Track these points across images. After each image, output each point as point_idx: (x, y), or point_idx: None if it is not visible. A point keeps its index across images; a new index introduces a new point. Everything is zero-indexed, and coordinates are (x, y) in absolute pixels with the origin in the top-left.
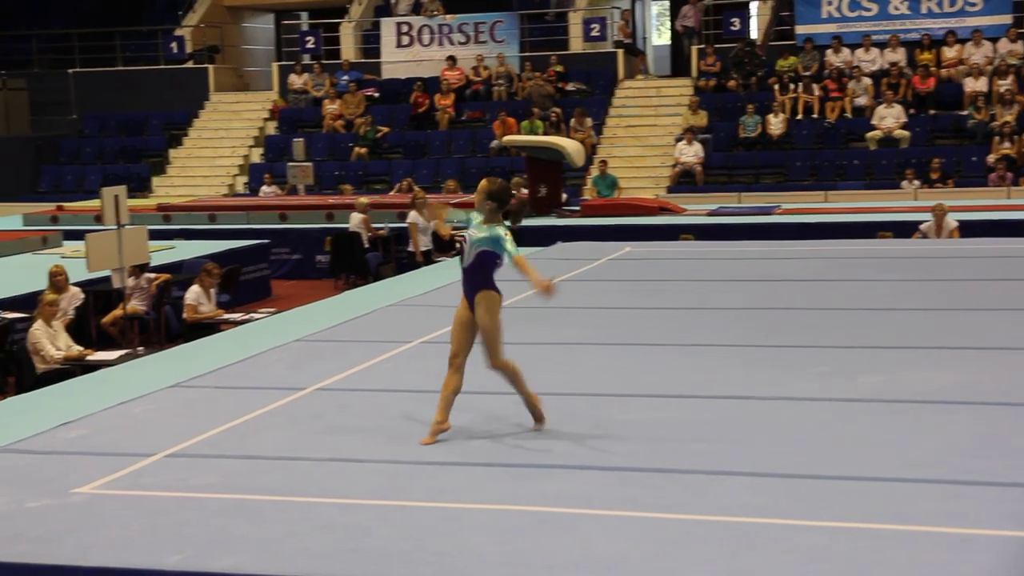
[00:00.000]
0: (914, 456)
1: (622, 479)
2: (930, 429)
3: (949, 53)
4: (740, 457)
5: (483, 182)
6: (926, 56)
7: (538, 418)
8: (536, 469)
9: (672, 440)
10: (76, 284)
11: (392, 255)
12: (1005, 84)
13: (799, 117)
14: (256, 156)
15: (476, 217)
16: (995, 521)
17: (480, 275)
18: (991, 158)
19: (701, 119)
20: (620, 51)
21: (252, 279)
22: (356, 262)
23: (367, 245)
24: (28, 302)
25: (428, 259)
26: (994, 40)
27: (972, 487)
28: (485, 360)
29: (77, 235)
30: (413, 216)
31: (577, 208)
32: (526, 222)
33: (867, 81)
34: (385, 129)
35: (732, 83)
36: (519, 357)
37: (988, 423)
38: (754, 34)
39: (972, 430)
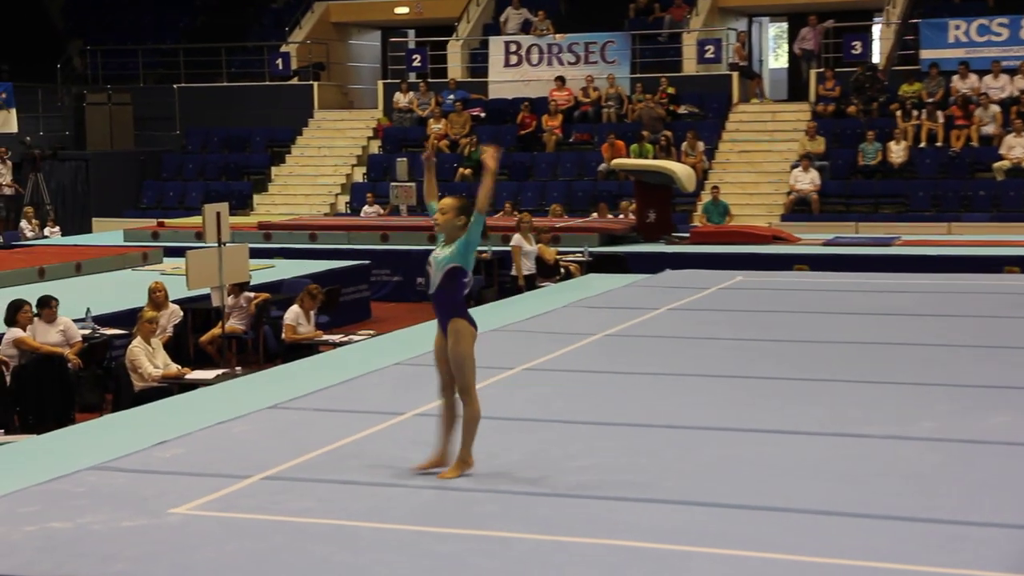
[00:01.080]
0: None
1: (726, 516)
2: None
3: None
4: (852, 497)
5: (450, 200)
6: None
7: (435, 463)
8: (636, 503)
9: (780, 478)
10: (175, 302)
11: (495, 279)
12: None
13: (922, 145)
14: (358, 175)
15: (440, 241)
16: None
17: (449, 301)
18: None
19: (818, 145)
20: (735, 74)
21: (352, 300)
22: None
23: None
24: (127, 319)
25: (531, 284)
26: None
27: None
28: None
29: (178, 252)
30: (517, 239)
31: (687, 235)
32: (634, 248)
33: (995, 109)
34: None
35: (852, 109)
36: (623, 385)
37: None
38: (876, 58)
39: None
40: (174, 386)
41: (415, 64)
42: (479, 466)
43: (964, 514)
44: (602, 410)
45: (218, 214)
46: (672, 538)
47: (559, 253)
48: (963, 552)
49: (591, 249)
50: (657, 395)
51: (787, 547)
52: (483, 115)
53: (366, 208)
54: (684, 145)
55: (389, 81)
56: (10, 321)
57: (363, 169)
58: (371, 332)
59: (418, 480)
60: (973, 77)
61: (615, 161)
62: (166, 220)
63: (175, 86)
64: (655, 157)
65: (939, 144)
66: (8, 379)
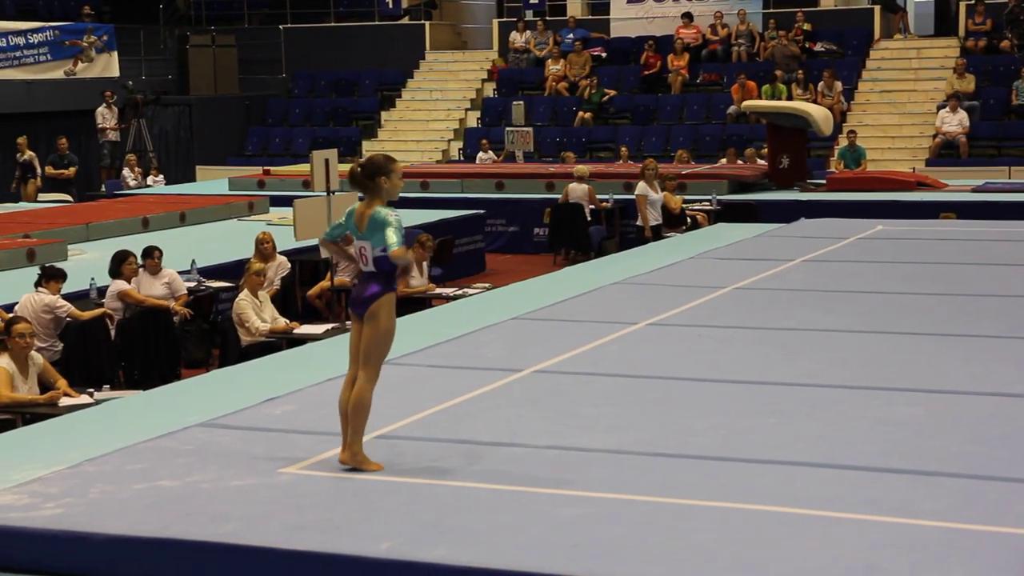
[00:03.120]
0: None
1: (871, 480)
2: None
3: None
4: (1009, 459)
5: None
6: None
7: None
8: (773, 466)
9: (931, 440)
10: (283, 253)
11: (616, 229)
12: None
13: None
14: (472, 120)
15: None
16: None
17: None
18: None
19: (968, 84)
20: (877, 7)
21: (466, 252)
22: (577, 236)
23: (589, 218)
24: (234, 271)
25: (657, 234)
26: None
27: None
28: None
29: (285, 201)
30: (642, 187)
31: (822, 182)
32: (766, 196)
33: None
34: (612, 92)
35: (1005, 44)
36: (753, 341)
37: None
38: None
39: None
40: (282, 341)
41: (532, 2)
42: (617, 423)
43: None
44: (732, 367)
45: (327, 161)
46: (814, 503)
47: (685, 202)
48: None
49: (720, 197)
50: (790, 352)
51: (939, 513)
52: (604, 55)
53: (480, 155)
54: (820, 85)
55: (505, 20)
56: (114, 273)
57: (477, 114)
58: (486, 285)
59: (538, 439)
60: None
61: (746, 103)
62: (272, 168)
63: (281, 27)
64: (789, 99)
65: None
66: (113, 332)
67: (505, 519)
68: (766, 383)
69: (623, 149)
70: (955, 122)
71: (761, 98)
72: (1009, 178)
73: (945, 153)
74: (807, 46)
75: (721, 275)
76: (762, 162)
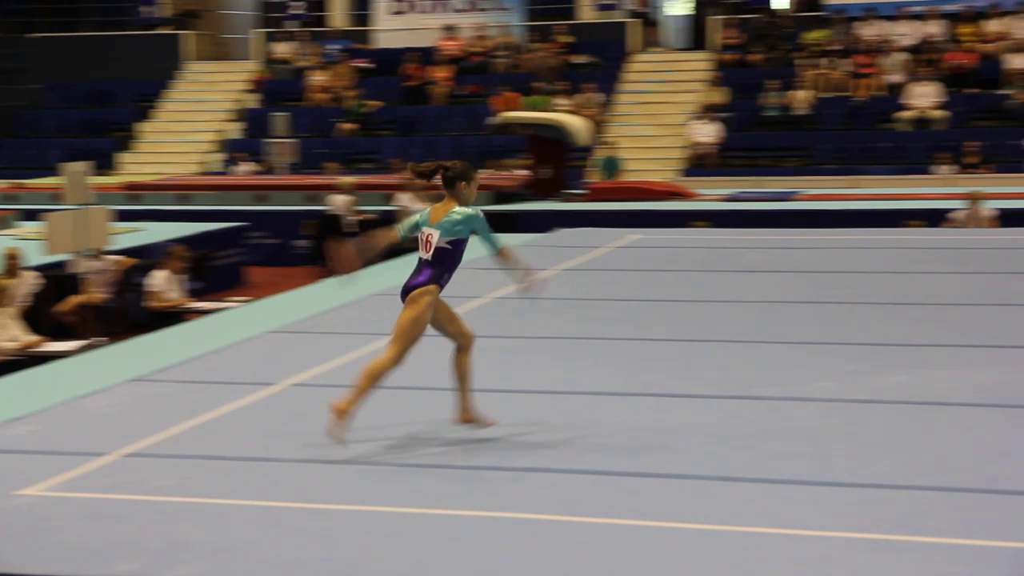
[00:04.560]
0: (939, 462)
1: (618, 485)
2: (958, 433)
3: (992, 27)
4: (748, 462)
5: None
6: (966, 30)
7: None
8: (523, 473)
9: (675, 443)
10: (32, 268)
11: None
12: None
13: (827, 95)
14: (234, 131)
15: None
16: (1015, 532)
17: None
18: None
19: (720, 96)
20: (634, 21)
21: (225, 265)
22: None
23: (351, 229)
24: None
25: None
26: None
27: (996, 496)
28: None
29: (36, 215)
30: (403, 199)
31: (583, 191)
32: (527, 206)
33: (901, 56)
34: (376, 103)
35: (755, 57)
36: (512, 349)
37: (1020, 427)
38: (782, 3)
39: (1002, 434)
40: (29, 359)
41: (295, 12)
42: (371, 435)
43: (860, 476)
44: (485, 377)
45: (79, 174)
46: (562, 509)
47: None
48: (859, 516)
49: (481, 208)
50: (545, 360)
51: (681, 515)
52: (368, 66)
53: (241, 167)
54: (580, 97)
55: (267, 30)
56: None
57: (239, 125)
58: (245, 298)
59: (290, 453)
60: (879, 23)
61: (506, 114)
62: (23, 181)
63: (28, 36)
64: (550, 110)
65: (844, 94)
66: None
67: (255, 535)
68: (518, 391)
69: (395, 161)
70: (708, 133)
71: (523, 109)
72: (759, 188)
73: (699, 163)
74: (567, 58)
75: (479, 285)
76: (522, 172)
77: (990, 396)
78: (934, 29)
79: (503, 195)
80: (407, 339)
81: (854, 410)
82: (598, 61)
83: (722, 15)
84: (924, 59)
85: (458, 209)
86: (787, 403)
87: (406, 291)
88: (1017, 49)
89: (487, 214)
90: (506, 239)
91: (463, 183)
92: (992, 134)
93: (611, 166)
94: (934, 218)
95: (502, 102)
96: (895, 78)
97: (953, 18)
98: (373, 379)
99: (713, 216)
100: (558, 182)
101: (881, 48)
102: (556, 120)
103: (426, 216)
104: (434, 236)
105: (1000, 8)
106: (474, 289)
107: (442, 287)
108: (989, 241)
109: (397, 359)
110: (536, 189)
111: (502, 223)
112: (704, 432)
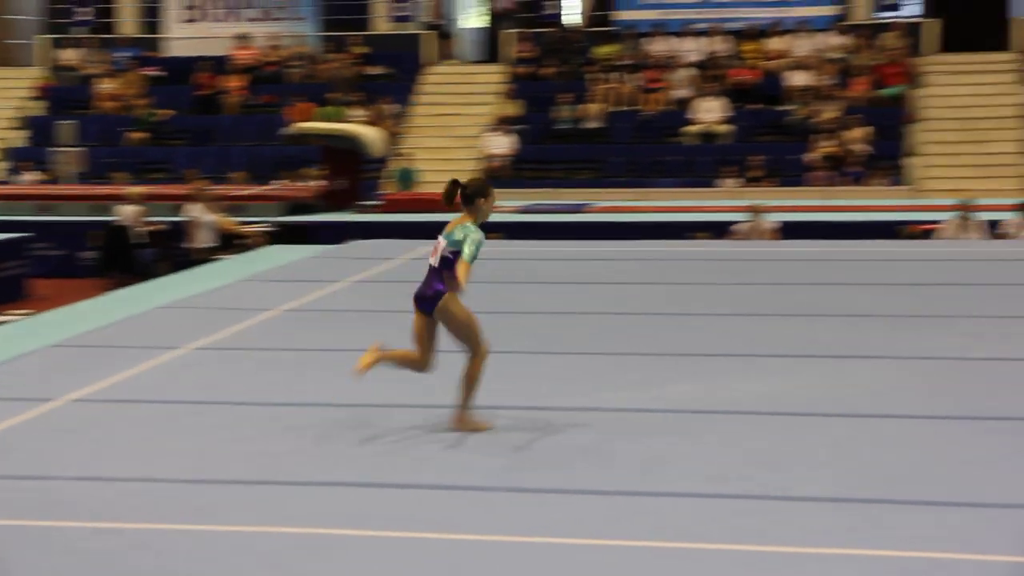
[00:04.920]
0: (713, 470)
1: (395, 496)
2: (735, 441)
3: (774, 44)
4: (536, 473)
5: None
6: (750, 47)
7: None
8: (303, 488)
9: (453, 454)
10: None
11: (168, 251)
12: (828, 79)
13: (617, 109)
14: (18, 140)
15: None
16: (791, 537)
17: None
18: (812, 156)
19: (514, 108)
20: (429, 33)
21: (7, 277)
22: (127, 259)
23: (140, 240)
24: None
25: (209, 256)
26: (820, 32)
27: (766, 501)
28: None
29: None
30: (193, 209)
31: (379, 203)
32: (321, 218)
33: (688, 72)
34: (167, 112)
35: (547, 71)
36: (295, 363)
37: (795, 434)
38: (574, 19)
39: (777, 442)
40: None
41: (81, 18)
42: (156, 451)
43: (643, 485)
44: (275, 391)
45: None
46: (346, 522)
47: (240, 224)
48: (644, 525)
49: (274, 219)
50: (336, 373)
51: (485, 527)
52: (159, 74)
53: (25, 176)
54: (375, 108)
55: (52, 36)
56: None
57: (23, 133)
58: (27, 311)
59: (70, 470)
60: (667, 39)
61: (300, 125)
62: None
63: None
64: (345, 120)
65: (633, 108)
66: None
67: (31, 555)
68: (309, 404)
69: (190, 172)
70: (502, 145)
71: (317, 119)
72: (552, 200)
73: (493, 175)
74: (362, 69)
75: (272, 297)
76: (317, 183)
77: (769, 405)
78: (719, 45)
79: (297, 206)
80: (474, 337)
81: (638, 420)
82: (393, 72)
83: (516, 29)
84: (710, 75)
85: (467, 226)
86: (571, 413)
87: (424, 300)
88: (797, 66)
89: (287, 225)
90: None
91: (481, 199)
92: (775, 148)
93: (406, 177)
94: (719, 230)
95: (296, 112)
96: (682, 93)
97: (737, 35)
98: (474, 382)
99: (506, 228)
100: (353, 193)
101: (669, 64)
102: (350, 131)
103: (445, 228)
104: (441, 244)
105: (781, 26)
106: (264, 301)
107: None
108: (771, 253)
109: (481, 354)
110: (330, 200)
111: (295, 235)
112: (492, 444)
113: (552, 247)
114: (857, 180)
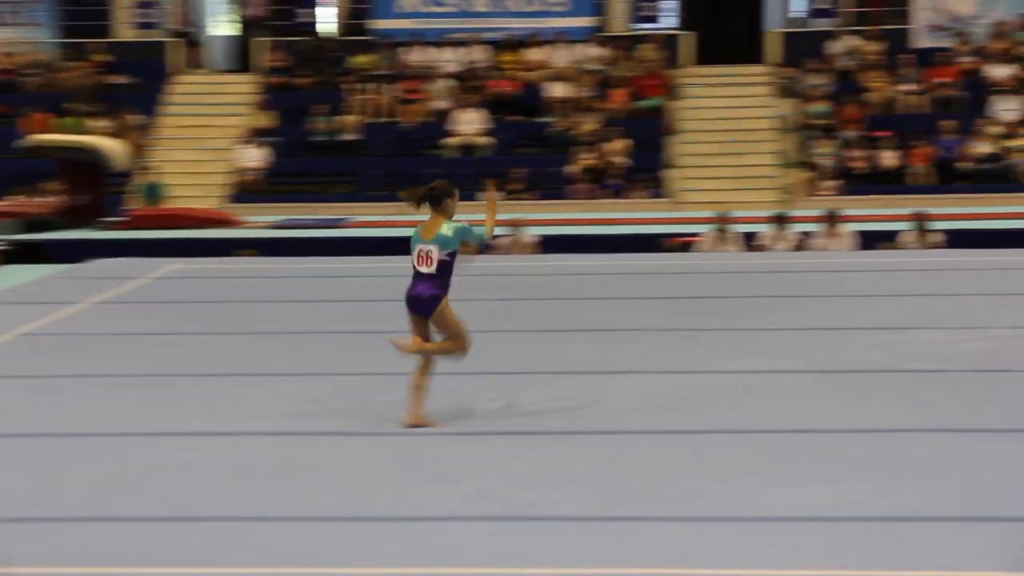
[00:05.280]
0: (475, 489)
1: (145, 529)
2: (499, 458)
3: (533, 55)
4: (286, 498)
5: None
6: (509, 58)
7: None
8: (40, 525)
9: (209, 484)
10: None
11: None
12: (587, 90)
13: (375, 120)
14: None
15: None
16: (551, 559)
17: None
18: (573, 168)
19: (267, 120)
20: (176, 41)
21: None
22: None
23: None
24: None
25: None
26: (578, 43)
27: (521, 522)
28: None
29: None
30: None
31: (122, 219)
32: (60, 235)
33: (446, 83)
34: None
35: (302, 81)
36: (38, 389)
37: (553, 453)
38: (329, 27)
39: (534, 461)
40: None
41: None
42: None
43: (394, 510)
44: (10, 421)
45: None
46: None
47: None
48: (395, 548)
49: (10, 237)
50: (71, 401)
51: (209, 559)
52: None
53: None
54: (118, 119)
55: None
56: None
57: None
58: None
59: None
60: (425, 49)
61: (36, 137)
62: None
63: None
64: (86, 132)
65: (391, 120)
66: None
67: None
68: (36, 435)
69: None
70: (255, 158)
71: (56, 131)
72: (309, 215)
73: (246, 189)
74: (104, 78)
75: (3, 321)
76: (56, 199)
77: (532, 423)
78: (478, 56)
79: (34, 223)
80: (460, 332)
81: (397, 442)
82: (137, 82)
83: (268, 37)
84: (469, 86)
85: (448, 224)
86: (325, 438)
87: (418, 303)
88: (557, 78)
89: (23, 243)
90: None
91: (448, 199)
92: (535, 161)
93: (153, 192)
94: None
95: (33, 124)
96: (441, 104)
97: (496, 46)
98: (447, 355)
99: (260, 244)
100: (94, 209)
101: (427, 74)
102: (91, 143)
103: (418, 235)
104: (434, 251)
105: (540, 37)
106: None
107: (447, 293)
108: (530, 267)
109: (466, 342)
110: (70, 216)
111: (32, 254)
112: (233, 469)
113: (308, 264)
114: (617, 193)
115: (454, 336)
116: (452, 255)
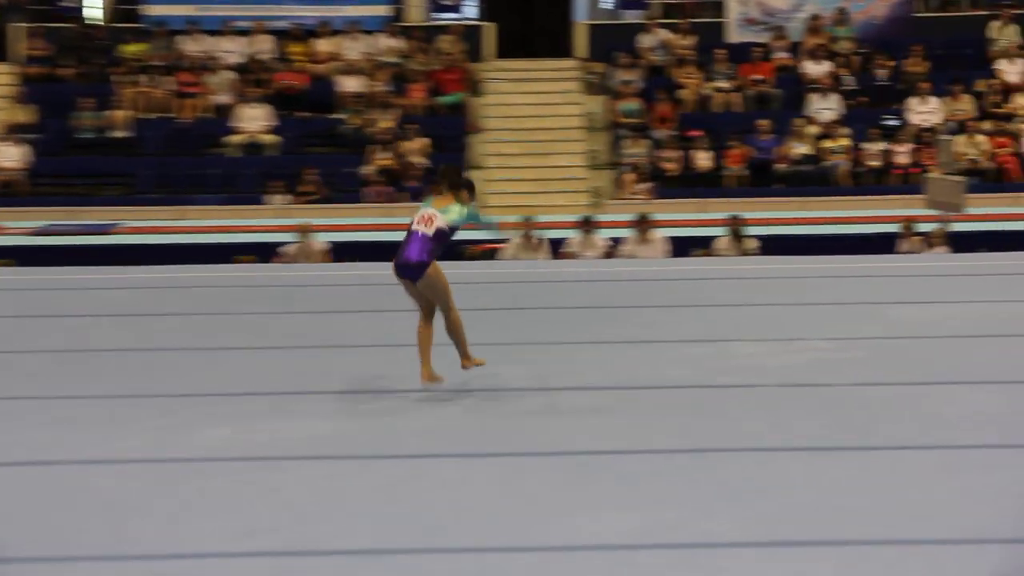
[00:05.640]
0: (247, 523)
1: None
2: (275, 489)
3: (322, 46)
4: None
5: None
6: (296, 49)
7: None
8: None
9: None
10: None
11: None
12: (382, 85)
13: (148, 115)
14: None
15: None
16: None
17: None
18: (368, 169)
19: (27, 115)
20: None
21: None
22: None
23: None
24: None
25: None
26: (372, 34)
27: (306, 557)
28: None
29: None
30: None
31: None
32: None
33: (228, 75)
34: None
35: (66, 72)
36: None
37: (338, 481)
38: (96, 13)
39: (317, 490)
40: None
41: None
42: None
43: (160, 548)
44: None
45: None
46: None
47: None
48: None
49: None
50: None
51: None
52: None
53: None
54: None
55: None
56: None
57: None
58: None
59: None
60: (203, 38)
61: None
62: None
63: None
64: None
65: (166, 114)
66: None
67: None
68: None
69: None
70: (14, 157)
71: None
72: (75, 219)
73: (3, 191)
74: None
75: None
76: None
77: (312, 449)
78: (262, 46)
79: None
80: (449, 297)
81: (165, 471)
82: None
83: (27, 23)
84: (252, 79)
85: (460, 207)
86: (88, 467)
87: (407, 268)
88: (349, 71)
89: None
90: None
91: (465, 192)
92: (327, 161)
93: None
94: (266, 252)
95: None
96: (223, 99)
97: (282, 35)
98: (459, 327)
99: (17, 253)
100: None
101: (206, 65)
102: None
103: (429, 202)
104: (439, 217)
105: (330, 27)
106: None
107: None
108: (321, 277)
109: (455, 308)
110: None
111: None
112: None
113: (72, 275)
114: (416, 196)
115: (443, 303)
116: (452, 230)
